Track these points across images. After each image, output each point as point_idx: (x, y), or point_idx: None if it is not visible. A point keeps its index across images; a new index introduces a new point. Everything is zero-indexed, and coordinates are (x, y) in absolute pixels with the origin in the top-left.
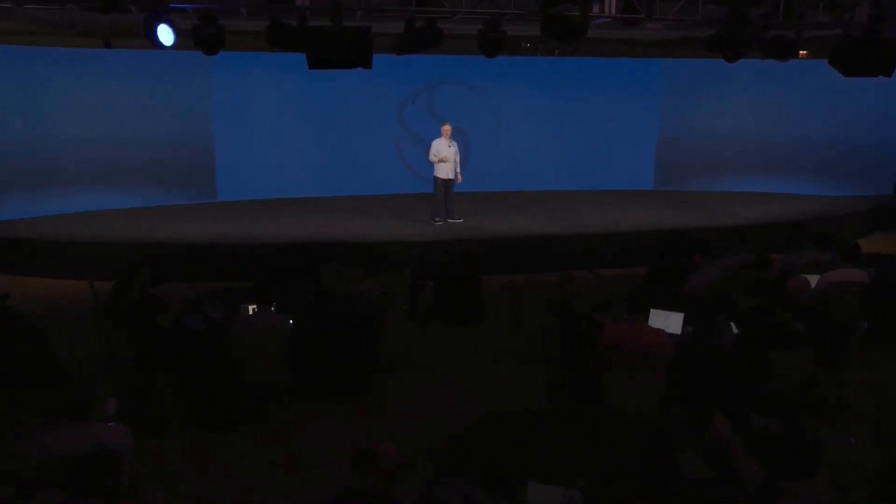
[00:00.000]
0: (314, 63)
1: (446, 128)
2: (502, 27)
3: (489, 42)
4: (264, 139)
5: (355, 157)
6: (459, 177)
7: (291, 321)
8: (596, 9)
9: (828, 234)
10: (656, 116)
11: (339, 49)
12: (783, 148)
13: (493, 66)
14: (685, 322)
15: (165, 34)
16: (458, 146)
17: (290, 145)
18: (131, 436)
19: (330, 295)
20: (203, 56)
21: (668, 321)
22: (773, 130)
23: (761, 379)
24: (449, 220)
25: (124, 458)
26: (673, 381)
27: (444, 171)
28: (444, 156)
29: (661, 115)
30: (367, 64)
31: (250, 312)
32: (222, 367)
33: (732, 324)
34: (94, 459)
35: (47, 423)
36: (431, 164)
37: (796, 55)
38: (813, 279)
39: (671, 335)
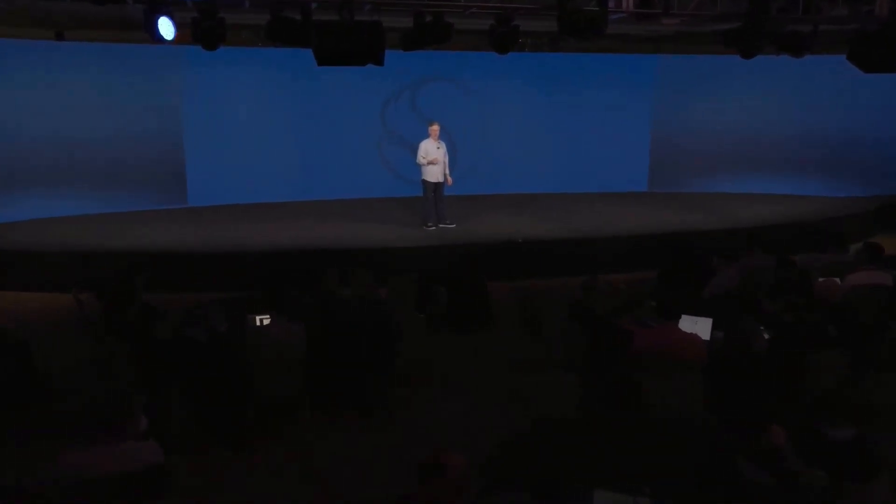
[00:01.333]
0: (323, 60)
1: (434, 128)
2: (514, 22)
3: (500, 38)
4: (238, 139)
5: (335, 159)
6: (449, 179)
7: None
8: (611, 3)
9: (845, 234)
10: (650, 115)
11: (349, 45)
12: (781, 147)
13: (479, 63)
14: (714, 327)
15: (166, 27)
16: (457, 145)
17: (265, 146)
18: (163, 454)
19: (345, 302)
20: (171, 49)
21: (696, 326)
22: (770, 128)
23: (798, 382)
24: (441, 225)
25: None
26: (713, 386)
27: (433, 173)
28: (433, 157)
29: (654, 114)
30: (379, 60)
31: (258, 323)
32: (233, 381)
33: (762, 328)
34: (137, 480)
35: (74, 441)
36: (419, 167)
37: (812, 51)
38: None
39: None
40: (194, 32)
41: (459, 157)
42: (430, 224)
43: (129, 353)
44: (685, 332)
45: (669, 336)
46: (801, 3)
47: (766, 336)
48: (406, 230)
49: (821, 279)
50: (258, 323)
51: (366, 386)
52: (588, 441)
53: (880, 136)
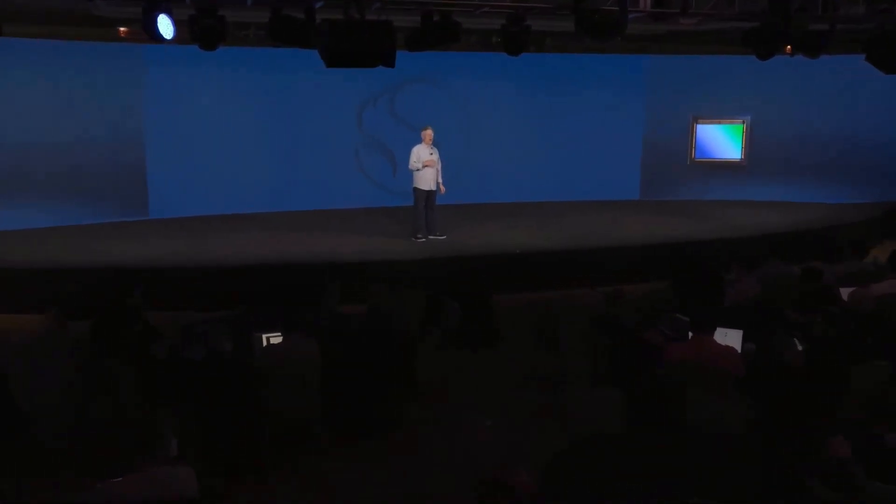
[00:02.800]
0: (332, 61)
1: (428, 132)
2: (527, 22)
3: (512, 38)
4: (205, 146)
5: (309, 167)
6: (442, 187)
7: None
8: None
9: (865, 242)
10: (642, 118)
11: (358, 45)
12: (779, 151)
13: (462, 64)
14: (745, 338)
15: (165, 26)
16: (439, 151)
17: (234, 153)
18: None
19: (358, 318)
20: (131, 48)
21: (726, 338)
22: (766, 132)
23: (842, 394)
24: (430, 237)
25: None
26: (755, 400)
27: (426, 181)
28: (427, 163)
29: (647, 117)
30: (390, 62)
31: (265, 342)
32: (244, 405)
33: (795, 339)
34: None
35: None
36: (411, 174)
37: (829, 51)
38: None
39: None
40: (192, 31)
41: (441, 165)
42: (419, 236)
43: (134, 376)
44: (720, 345)
45: (705, 348)
46: (820, 2)
47: (800, 347)
48: (394, 242)
49: (850, 289)
50: (265, 342)
51: (384, 407)
52: (637, 458)
53: (880, 140)
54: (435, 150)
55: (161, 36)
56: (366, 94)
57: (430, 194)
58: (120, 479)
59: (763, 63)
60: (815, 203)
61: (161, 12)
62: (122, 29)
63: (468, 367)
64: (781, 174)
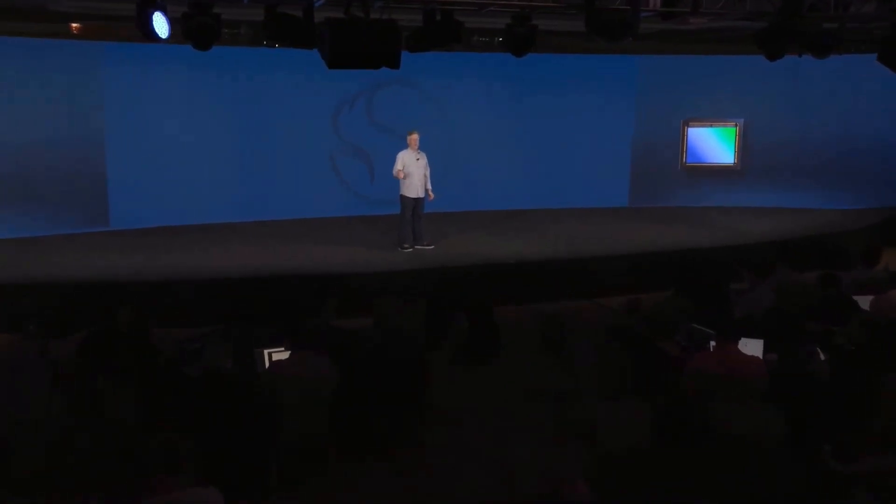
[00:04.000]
0: (335, 62)
1: (414, 137)
2: (533, 21)
3: (517, 39)
4: (170, 151)
5: (282, 174)
6: (431, 194)
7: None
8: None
9: (879, 249)
10: (631, 121)
11: (362, 45)
12: (773, 155)
13: (443, 65)
14: (766, 348)
15: (160, 24)
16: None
17: (203, 159)
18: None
19: (369, 332)
20: (89, 46)
21: (746, 348)
22: (761, 135)
23: (875, 405)
24: (417, 247)
25: None
26: (786, 411)
27: (413, 188)
28: (412, 170)
29: (636, 120)
30: (395, 63)
31: (267, 358)
32: (250, 426)
33: (818, 349)
34: None
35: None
36: (397, 181)
37: (838, 51)
38: (863, 299)
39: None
40: (185, 29)
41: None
42: (405, 246)
43: (133, 397)
44: (746, 354)
45: (730, 358)
46: (832, 1)
47: (823, 357)
48: (380, 253)
49: (864, 297)
50: (267, 357)
51: (396, 425)
52: (675, 470)
53: (878, 143)
54: (422, 156)
55: (156, 34)
56: (341, 96)
57: (417, 202)
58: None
59: (756, 64)
60: (814, 209)
61: (156, 9)
62: (74, 25)
63: (478, 383)
64: (776, 179)
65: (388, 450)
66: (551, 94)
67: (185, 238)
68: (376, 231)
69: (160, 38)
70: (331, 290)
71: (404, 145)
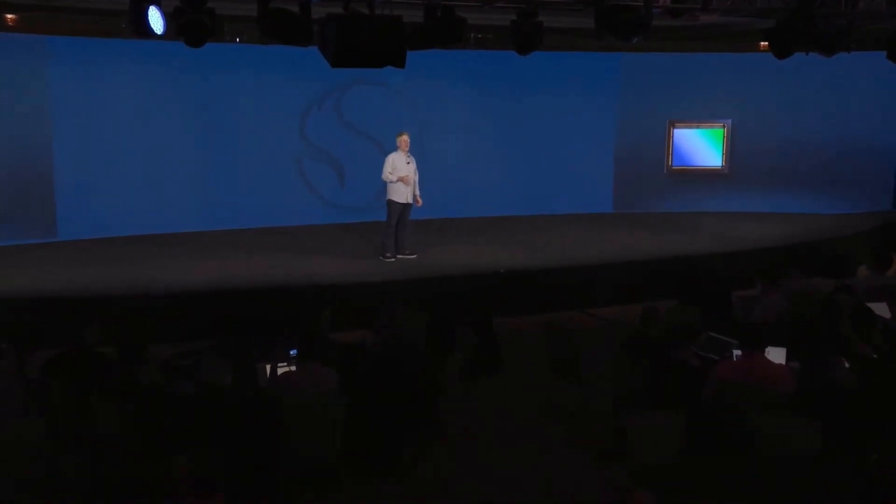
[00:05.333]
0: (339, 61)
1: (404, 138)
2: (539, 18)
3: (523, 36)
4: (123, 154)
5: (245, 180)
6: (419, 200)
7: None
8: None
9: (888, 255)
10: (613, 123)
11: (368, 43)
12: (762, 157)
13: (417, 62)
14: (789, 357)
15: (156, 20)
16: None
17: (158, 164)
18: None
19: (377, 345)
20: (31, 40)
21: (770, 357)
22: (749, 137)
23: None
24: (399, 256)
25: None
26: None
27: (402, 193)
28: (404, 175)
29: (619, 121)
30: (400, 61)
31: (268, 372)
32: (256, 445)
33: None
34: None
35: None
36: (385, 185)
37: (847, 48)
38: (876, 306)
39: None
40: (178, 25)
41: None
42: (388, 255)
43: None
44: (774, 363)
45: (758, 367)
46: None
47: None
48: (363, 262)
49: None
50: (269, 371)
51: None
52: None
53: (870, 145)
54: (412, 159)
55: (152, 31)
56: (309, 96)
57: (405, 208)
58: None
59: (744, 62)
60: (805, 214)
61: (151, 5)
62: (10, 17)
63: (491, 398)
64: (766, 183)
65: (401, 470)
66: (531, 94)
67: (146, 250)
68: (351, 240)
69: (155, 35)
70: (322, 302)
71: (374, 149)
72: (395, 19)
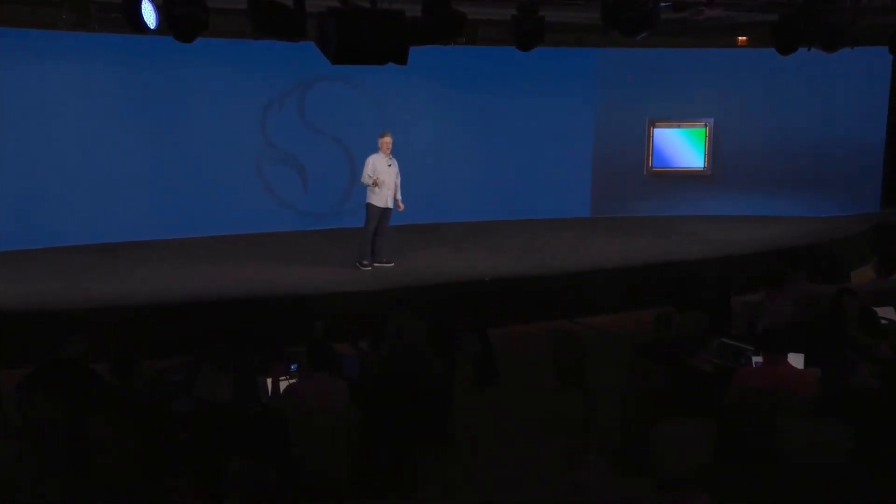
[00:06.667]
0: (340, 57)
1: (386, 140)
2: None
3: (524, 32)
4: (66, 157)
5: (200, 185)
6: (401, 204)
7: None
8: None
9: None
10: (591, 123)
11: (371, 39)
12: (745, 159)
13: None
14: (807, 362)
15: (149, 13)
16: (356, 162)
17: (104, 167)
18: None
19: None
20: None
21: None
22: (733, 136)
23: None
24: (376, 264)
25: None
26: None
27: (382, 196)
28: (383, 177)
29: (597, 120)
30: (402, 58)
31: (270, 385)
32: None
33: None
34: None
35: None
36: (365, 188)
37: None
38: (882, 311)
39: None
40: (168, 19)
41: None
42: (365, 263)
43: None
44: (796, 369)
45: (781, 373)
46: None
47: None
48: (341, 270)
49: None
50: (270, 385)
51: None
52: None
53: (857, 146)
54: (394, 161)
55: (145, 25)
56: (271, 94)
57: (385, 213)
58: None
59: (726, 58)
60: (794, 217)
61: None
62: None
63: (496, 409)
64: (750, 185)
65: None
66: (503, 92)
67: (99, 260)
68: (319, 247)
69: (148, 29)
70: (310, 313)
71: (337, 151)
72: (396, 13)
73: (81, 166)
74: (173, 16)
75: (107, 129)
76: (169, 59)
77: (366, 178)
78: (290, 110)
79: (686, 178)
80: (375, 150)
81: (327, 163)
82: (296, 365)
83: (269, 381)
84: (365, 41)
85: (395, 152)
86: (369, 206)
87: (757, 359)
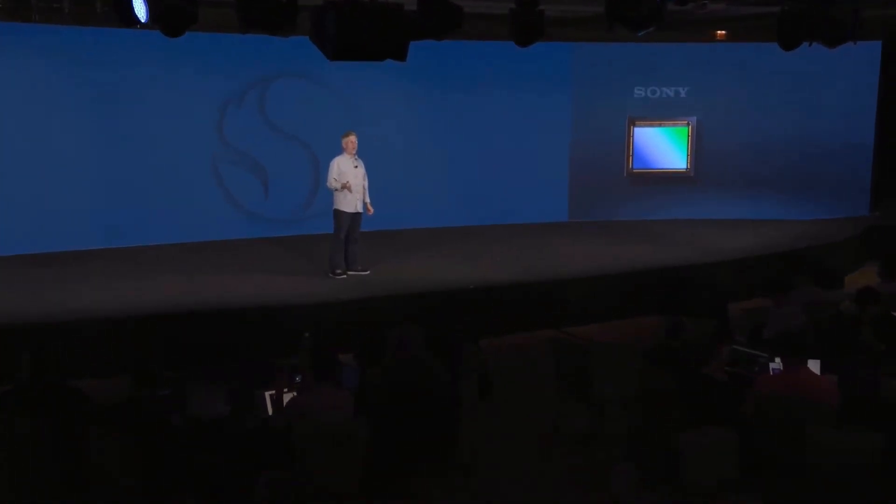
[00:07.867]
0: (338, 53)
1: (351, 139)
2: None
3: (523, 27)
4: (9, 160)
5: (153, 189)
6: (370, 208)
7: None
8: None
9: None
10: (569, 122)
11: (370, 35)
12: (728, 159)
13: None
14: (823, 369)
15: (139, 6)
16: (321, 165)
17: (49, 170)
18: None
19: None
20: None
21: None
22: (716, 136)
23: None
24: (350, 273)
25: None
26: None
27: (351, 201)
28: (350, 180)
29: (574, 119)
30: (402, 54)
31: (269, 399)
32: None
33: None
34: None
35: None
36: (331, 193)
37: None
38: None
39: None
40: (155, 12)
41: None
42: (339, 271)
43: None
44: (817, 376)
45: (803, 380)
46: None
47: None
48: (315, 280)
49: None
50: (270, 399)
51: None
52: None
53: (844, 146)
54: (360, 163)
55: (136, 17)
56: (229, 91)
57: (355, 218)
58: None
59: (709, 54)
60: (781, 220)
61: None
62: None
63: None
64: (733, 187)
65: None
66: (475, 89)
67: (45, 271)
68: (284, 255)
69: (138, 22)
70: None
71: (301, 152)
72: (396, 7)
73: (24, 170)
74: (160, 8)
75: (47, 130)
76: (120, 55)
77: (331, 182)
78: (250, 109)
79: (668, 179)
80: (340, 151)
81: (291, 166)
82: (300, 376)
83: (269, 394)
84: (364, 37)
85: (361, 152)
86: (337, 213)
87: (774, 366)
